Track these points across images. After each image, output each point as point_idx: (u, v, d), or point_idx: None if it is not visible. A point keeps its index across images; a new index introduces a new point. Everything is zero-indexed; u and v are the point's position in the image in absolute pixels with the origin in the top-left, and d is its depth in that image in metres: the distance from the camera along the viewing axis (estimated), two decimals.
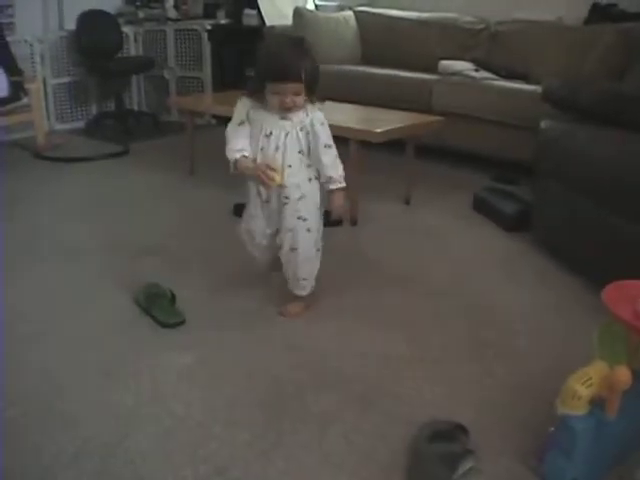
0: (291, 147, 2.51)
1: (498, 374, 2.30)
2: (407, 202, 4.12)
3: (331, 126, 3.79)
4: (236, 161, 2.51)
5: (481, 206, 3.95)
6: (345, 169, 3.65)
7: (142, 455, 1.85)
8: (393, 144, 3.86)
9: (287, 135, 2.50)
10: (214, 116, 6.13)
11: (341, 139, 3.66)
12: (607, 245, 2.87)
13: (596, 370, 1.72)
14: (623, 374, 1.65)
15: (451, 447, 1.82)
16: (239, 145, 2.51)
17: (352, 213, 3.69)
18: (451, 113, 4.69)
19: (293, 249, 2.59)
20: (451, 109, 4.80)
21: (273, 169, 2.46)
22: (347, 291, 2.89)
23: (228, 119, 2.59)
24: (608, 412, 1.73)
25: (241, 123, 2.52)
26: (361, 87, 5.32)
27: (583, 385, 1.69)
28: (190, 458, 1.84)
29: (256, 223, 2.65)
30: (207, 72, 6.46)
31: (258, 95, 2.48)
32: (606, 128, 3.08)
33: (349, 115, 4.15)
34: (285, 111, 2.46)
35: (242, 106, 2.55)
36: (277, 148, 2.50)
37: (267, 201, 2.58)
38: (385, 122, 3.81)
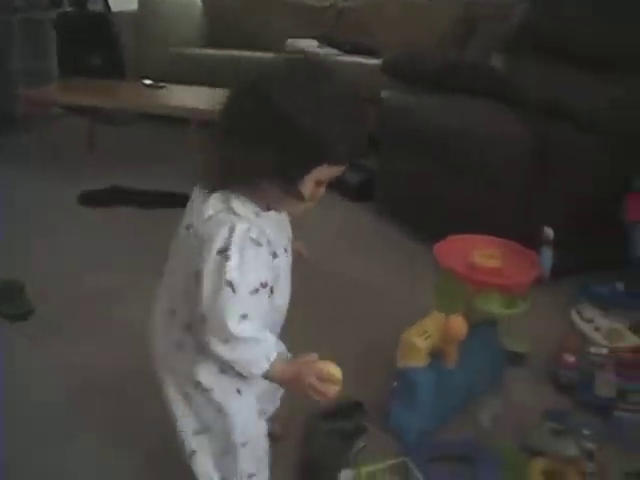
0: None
1: (350, 341, 2.33)
2: None
3: (173, 107, 3.79)
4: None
5: None
6: (186, 150, 3.64)
7: None
8: None
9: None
10: (62, 106, 5.90)
11: (183, 121, 3.64)
12: (442, 203, 3.03)
13: (433, 322, 1.77)
14: (458, 324, 1.71)
15: (346, 424, 1.82)
16: (267, 337, 1.34)
17: None
18: None
19: None
20: None
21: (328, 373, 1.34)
22: None
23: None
24: (447, 362, 1.79)
25: (259, 288, 1.31)
26: (207, 69, 5.22)
27: (420, 337, 1.74)
28: None
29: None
30: (53, 62, 6.23)
31: (272, 193, 1.31)
32: (444, 95, 3.16)
33: (192, 96, 4.11)
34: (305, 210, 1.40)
35: (258, 248, 1.29)
36: (282, 276, 1.44)
37: None
38: None
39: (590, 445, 1.81)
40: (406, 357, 1.75)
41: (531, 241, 1.99)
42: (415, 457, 1.62)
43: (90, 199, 3.60)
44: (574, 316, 2.53)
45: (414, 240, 3.19)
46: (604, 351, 2.15)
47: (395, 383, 1.84)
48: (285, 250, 1.44)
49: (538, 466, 1.73)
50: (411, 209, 3.33)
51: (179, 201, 3.51)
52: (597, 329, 2.43)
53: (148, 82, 4.37)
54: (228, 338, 1.27)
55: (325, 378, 1.33)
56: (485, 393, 1.97)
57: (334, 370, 1.36)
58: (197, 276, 1.28)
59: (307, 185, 1.29)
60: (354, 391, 2.00)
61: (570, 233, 2.50)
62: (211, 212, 1.28)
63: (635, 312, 2.44)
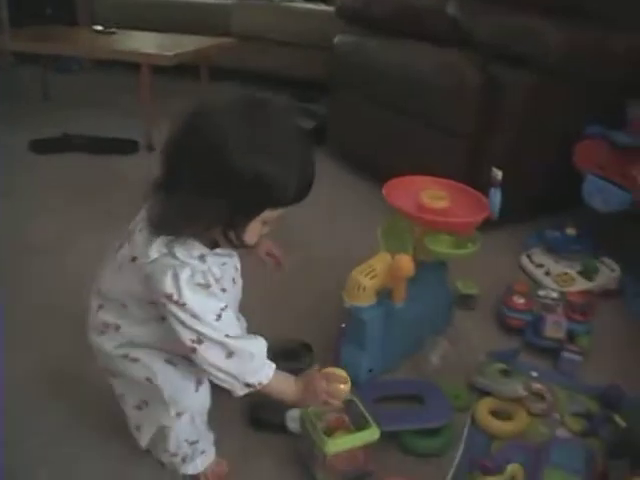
0: None
1: (299, 281, 2.32)
2: None
3: (124, 52, 3.71)
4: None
5: None
6: (137, 94, 3.59)
7: None
8: (189, 69, 3.81)
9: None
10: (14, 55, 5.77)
11: (133, 66, 3.56)
12: (393, 146, 3.05)
13: (379, 261, 1.75)
14: (404, 262, 1.69)
15: (295, 365, 1.77)
16: (261, 344, 1.37)
17: (148, 139, 3.59)
18: (250, 36, 4.70)
19: None
20: (250, 32, 4.79)
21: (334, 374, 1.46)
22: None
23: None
24: (395, 300, 1.78)
25: (221, 313, 1.29)
26: (161, 15, 5.18)
27: (367, 276, 1.72)
28: None
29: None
30: (4, 12, 6.05)
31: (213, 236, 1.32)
32: (396, 39, 3.15)
33: (142, 41, 4.01)
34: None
35: (208, 289, 1.29)
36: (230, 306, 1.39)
37: None
38: (177, 46, 3.72)
39: (538, 386, 1.82)
40: (353, 296, 1.73)
41: (481, 183, 1.98)
42: (363, 396, 1.60)
43: (41, 146, 3.55)
44: (524, 261, 2.54)
45: (366, 182, 3.22)
46: (554, 294, 2.16)
47: (343, 324, 1.82)
48: (234, 281, 1.45)
49: (486, 406, 1.74)
50: (363, 152, 3.35)
51: (129, 147, 3.57)
52: (547, 274, 2.44)
53: (99, 28, 4.29)
54: (229, 352, 1.29)
55: (333, 379, 1.42)
56: (434, 333, 1.97)
57: (339, 371, 1.44)
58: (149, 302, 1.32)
59: (253, 227, 1.28)
60: (302, 332, 2.00)
61: (521, 176, 2.51)
62: (155, 255, 1.26)
63: (585, 257, 2.44)
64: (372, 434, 1.49)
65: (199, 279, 1.26)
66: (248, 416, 1.69)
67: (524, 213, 2.75)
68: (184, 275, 1.24)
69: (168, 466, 1.53)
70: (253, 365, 1.33)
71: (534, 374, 1.87)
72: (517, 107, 2.60)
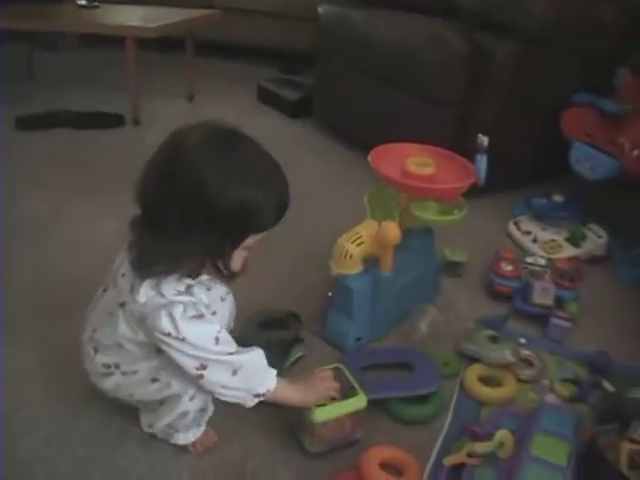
0: None
1: (287, 250, 2.30)
2: (190, 99, 4.06)
3: (110, 26, 3.67)
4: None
5: (266, 96, 3.98)
6: (123, 69, 3.55)
7: None
8: (174, 43, 3.78)
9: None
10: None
11: (119, 43, 3.52)
12: (380, 116, 3.02)
13: (365, 228, 1.74)
14: (391, 229, 1.67)
15: (283, 334, 1.78)
16: (259, 355, 1.40)
17: (133, 113, 3.56)
18: (234, 8, 4.63)
19: None
20: (234, 4, 4.70)
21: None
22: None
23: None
24: (382, 268, 1.76)
25: (218, 336, 1.33)
26: None
27: (353, 243, 1.70)
28: None
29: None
30: None
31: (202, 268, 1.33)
32: (381, 9, 3.12)
33: (125, 14, 3.95)
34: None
35: (202, 318, 1.31)
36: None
37: None
38: (161, 18, 3.68)
39: (527, 352, 1.81)
40: (340, 263, 1.72)
41: (469, 152, 1.96)
42: (351, 364, 1.59)
43: (26, 123, 3.51)
44: (511, 228, 2.53)
45: (353, 152, 3.21)
46: (542, 261, 2.15)
47: (330, 293, 1.81)
48: (222, 299, 1.49)
49: (475, 372, 1.73)
50: (350, 122, 3.33)
51: (115, 121, 3.55)
52: (535, 241, 2.43)
53: (83, 3, 4.24)
54: (234, 369, 1.33)
55: (327, 374, 1.50)
56: (423, 301, 1.96)
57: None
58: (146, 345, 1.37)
59: (237, 254, 1.32)
60: (291, 302, 1.98)
61: (509, 143, 2.51)
62: (144, 299, 1.28)
63: (572, 224, 2.43)
64: (359, 401, 1.48)
65: (192, 312, 1.29)
66: None
67: (511, 181, 2.74)
68: (177, 313, 1.27)
69: (160, 436, 1.54)
70: (258, 376, 1.37)
71: (523, 340, 1.86)
72: (504, 75, 2.58)
